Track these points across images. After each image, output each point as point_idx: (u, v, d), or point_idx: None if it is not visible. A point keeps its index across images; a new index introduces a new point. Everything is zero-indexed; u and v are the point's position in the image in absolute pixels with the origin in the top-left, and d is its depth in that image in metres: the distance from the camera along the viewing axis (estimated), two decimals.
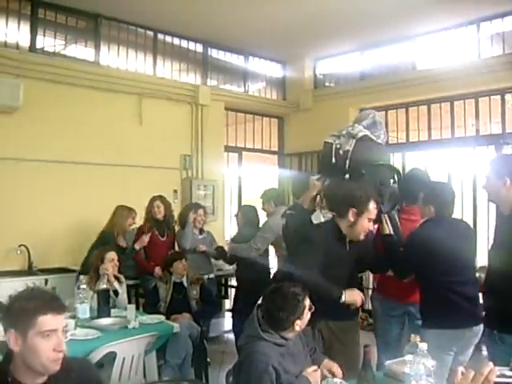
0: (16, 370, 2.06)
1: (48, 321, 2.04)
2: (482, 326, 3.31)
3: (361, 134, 3.78)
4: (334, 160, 3.79)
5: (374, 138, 3.85)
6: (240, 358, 2.80)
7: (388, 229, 3.63)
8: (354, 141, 3.76)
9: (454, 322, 3.33)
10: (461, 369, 1.71)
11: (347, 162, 3.72)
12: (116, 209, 5.97)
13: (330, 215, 3.53)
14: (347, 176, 3.69)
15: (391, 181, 3.89)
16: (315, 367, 2.77)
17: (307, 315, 2.80)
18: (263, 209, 5.88)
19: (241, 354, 2.81)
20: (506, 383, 1.76)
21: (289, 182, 9.03)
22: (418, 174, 4.33)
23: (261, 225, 5.63)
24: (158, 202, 6.07)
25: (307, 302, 2.80)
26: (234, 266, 6.24)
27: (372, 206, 3.29)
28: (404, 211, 4.09)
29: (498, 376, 1.66)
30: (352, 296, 3.23)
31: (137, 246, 5.87)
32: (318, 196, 3.82)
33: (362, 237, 3.32)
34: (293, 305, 2.73)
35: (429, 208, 3.60)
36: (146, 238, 5.91)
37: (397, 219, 3.80)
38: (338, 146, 3.81)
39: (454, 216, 3.69)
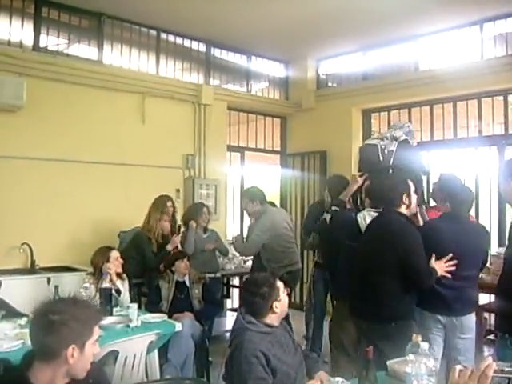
0: (35, 375, 2.03)
1: (98, 329, 2.14)
2: (464, 319, 3.75)
3: (402, 138, 4.45)
4: (381, 158, 4.41)
5: (411, 143, 4.56)
6: (230, 351, 2.88)
7: (421, 221, 4.06)
8: (396, 143, 4.42)
9: (433, 308, 3.75)
10: (459, 367, 1.72)
11: (391, 159, 4.38)
12: (152, 208, 5.91)
13: (374, 213, 4.00)
14: (390, 171, 4.35)
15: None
16: (317, 380, 2.81)
17: (285, 298, 2.98)
18: (246, 208, 5.99)
19: (230, 348, 2.90)
20: (505, 377, 1.76)
21: (292, 182, 9.07)
22: (451, 179, 4.46)
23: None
24: (170, 202, 6.05)
25: (280, 284, 2.98)
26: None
27: (412, 186, 3.73)
28: (432, 208, 4.63)
29: (497, 372, 1.67)
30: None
31: (169, 248, 5.75)
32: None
33: (414, 210, 3.82)
34: (266, 289, 2.91)
35: (446, 204, 3.97)
36: (177, 239, 5.86)
37: (425, 214, 4.25)
38: (383, 146, 4.41)
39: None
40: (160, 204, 5.96)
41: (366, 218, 4.11)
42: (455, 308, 3.74)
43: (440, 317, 3.75)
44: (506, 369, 1.74)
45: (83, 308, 2.14)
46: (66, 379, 2.08)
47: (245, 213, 7.46)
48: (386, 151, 4.42)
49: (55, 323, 2.01)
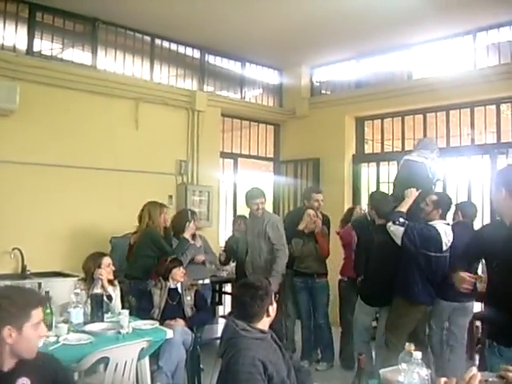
0: None
1: (39, 313, 2.32)
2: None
3: (438, 159, 5.38)
4: (430, 175, 5.19)
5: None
6: (225, 362, 2.81)
7: None
8: (435, 163, 5.29)
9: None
10: (444, 379, 1.73)
11: (436, 177, 5.33)
12: (149, 206, 5.84)
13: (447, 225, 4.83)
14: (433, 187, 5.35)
15: None
16: None
17: (274, 302, 3.01)
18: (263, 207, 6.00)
19: (223, 359, 2.84)
20: None
21: (285, 189, 9.07)
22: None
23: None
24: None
25: (272, 288, 3.04)
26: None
27: None
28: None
29: (482, 382, 1.68)
30: None
31: (187, 235, 5.74)
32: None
33: None
34: (264, 291, 2.92)
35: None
36: (192, 225, 5.83)
37: None
38: (429, 166, 5.18)
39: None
40: (155, 202, 5.95)
41: (446, 229, 4.71)
42: None
43: None
44: (490, 379, 1.76)
45: (23, 293, 2.34)
46: (14, 359, 2.28)
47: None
48: (432, 169, 5.21)
49: None
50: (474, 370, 1.68)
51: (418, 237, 4.61)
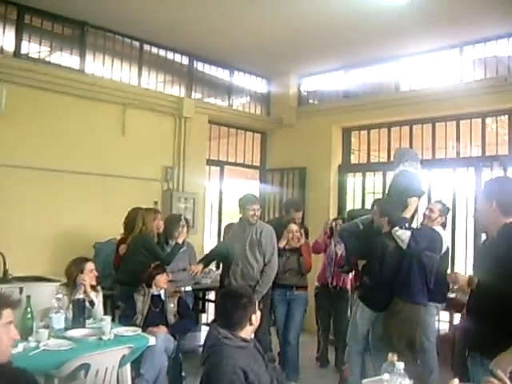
0: None
1: (9, 314, 2.35)
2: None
3: (421, 171, 5.66)
4: (421, 186, 5.54)
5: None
6: (206, 370, 2.82)
7: None
8: (422, 174, 5.65)
9: None
10: None
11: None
12: (143, 212, 5.85)
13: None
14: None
15: None
16: None
17: (258, 311, 3.01)
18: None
19: (205, 367, 2.85)
20: None
21: (271, 198, 9.06)
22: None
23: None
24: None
25: (255, 297, 3.07)
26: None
27: None
28: None
29: None
30: None
31: (180, 240, 5.74)
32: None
33: None
34: (246, 299, 2.93)
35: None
36: (185, 230, 5.85)
37: None
38: (420, 177, 5.56)
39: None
40: (150, 209, 5.97)
41: (444, 234, 5.25)
42: None
43: None
44: None
45: None
46: None
47: (222, 227, 7.45)
48: (421, 180, 5.56)
49: None
50: (456, 381, 1.68)
51: (424, 239, 4.89)
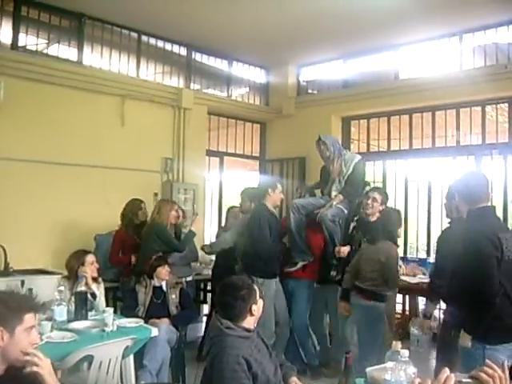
0: None
1: (31, 318, 2.30)
2: None
3: None
4: None
5: None
6: (209, 360, 2.83)
7: None
8: None
9: None
10: (418, 380, 1.74)
11: None
12: (160, 202, 5.98)
13: None
14: None
15: None
16: None
17: (260, 301, 3.01)
18: (242, 208, 6.07)
19: (208, 357, 2.86)
20: None
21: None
22: None
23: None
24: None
25: (256, 288, 3.04)
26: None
27: None
28: None
29: (456, 383, 1.70)
30: None
31: (194, 228, 5.87)
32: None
33: None
34: (246, 291, 2.93)
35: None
36: (199, 219, 6.07)
37: None
38: None
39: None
40: (166, 200, 6.07)
41: None
42: None
43: None
44: (464, 380, 1.77)
45: (17, 298, 2.36)
46: (3, 365, 2.24)
47: (223, 219, 7.43)
48: None
49: None
50: (447, 370, 1.69)
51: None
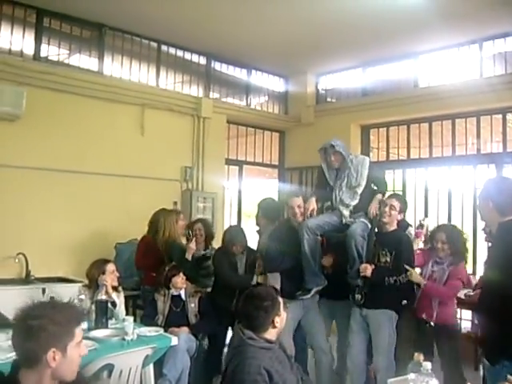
0: (22, 383, 2.04)
1: (81, 331, 2.15)
2: None
3: None
4: None
5: None
6: (230, 370, 2.81)
7: None
8: None
9: None
10: None
11: None
12: (162, 215, 5.77)
13: None
14: None
15: None
16: None
17: (284, 313, 2.99)
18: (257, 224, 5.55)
19: (229, 367, 2.84)
20: None
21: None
22: None
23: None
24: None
25: (280, 299, 3.01)
26: None
27: None
28: None
29: None
30: None
31: (189, 257, 5.55)
32: None
33: None
34: (269, 302, 2.91)
35: None
36: (192, 245, 5.55)
37: None
38: None
39: None
40: (170, 210, 5.93)
41: None
42: None
43: None
44: None
45: (63, 311, 2.12)
46: (55, 382, 2.09)
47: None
48: None
49: (33, 328, 2.01)
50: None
51: None
